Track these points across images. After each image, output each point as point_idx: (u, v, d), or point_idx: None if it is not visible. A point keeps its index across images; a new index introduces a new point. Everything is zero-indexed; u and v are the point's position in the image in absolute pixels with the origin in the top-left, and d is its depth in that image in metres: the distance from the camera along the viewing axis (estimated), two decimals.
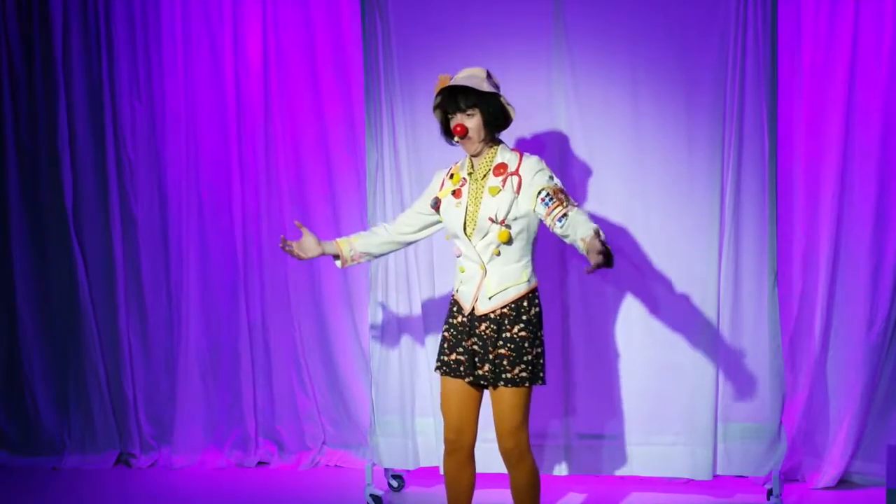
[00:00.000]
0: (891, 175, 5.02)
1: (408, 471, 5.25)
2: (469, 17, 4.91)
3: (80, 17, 5.67)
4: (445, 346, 4.05)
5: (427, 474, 5.25)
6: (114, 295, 5.75)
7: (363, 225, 5.41)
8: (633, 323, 4.92)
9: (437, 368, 4.08)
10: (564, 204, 3.86)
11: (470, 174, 4.03)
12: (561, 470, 5.00)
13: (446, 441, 4.08)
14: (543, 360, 4.01)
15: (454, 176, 4.09)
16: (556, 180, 3.96)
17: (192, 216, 5.69)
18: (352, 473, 5.50)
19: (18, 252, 5.84)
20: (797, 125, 5.08)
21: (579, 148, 4.90)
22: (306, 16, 5.54)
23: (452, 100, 3.94)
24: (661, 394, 4.90)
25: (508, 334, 3.94)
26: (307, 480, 5.46)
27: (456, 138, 3.97)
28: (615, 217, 4.90)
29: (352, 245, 4.25)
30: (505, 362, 3.93)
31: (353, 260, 4.26)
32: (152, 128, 5.70)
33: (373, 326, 5.11)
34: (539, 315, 4.00)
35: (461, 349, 4.00)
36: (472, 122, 3.94)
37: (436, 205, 4.11)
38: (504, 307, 3.95)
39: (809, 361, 5.11)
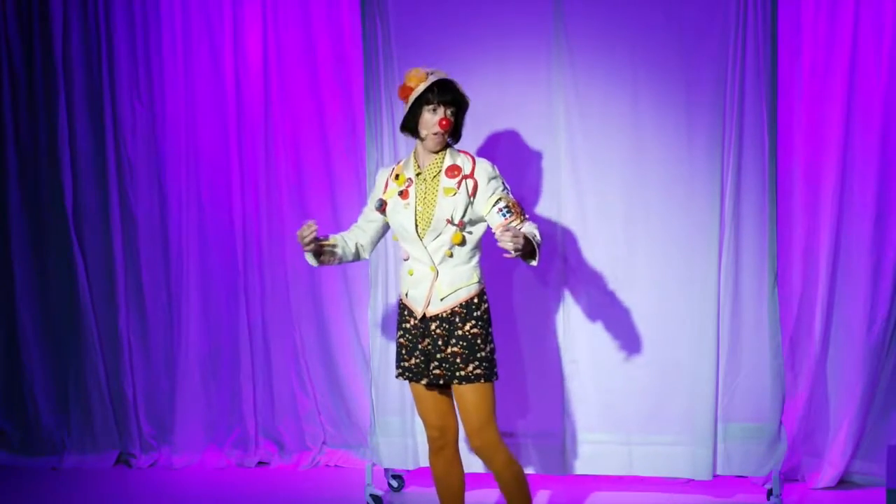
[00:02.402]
0: (891, 175, 5.02)
1: (408, 471, 5.25)
2: (469, 18, 4.91)
3: (80, 17, 5.68)
4: (403, 352, 4.07)
5: (427, 474, 5.24)
6: (114, 295, 5.75)
7: None
8: (632, 323, 4.92)
9: (399, 375, 4.10)
10: (522, 219, 3.92)
11: (418, 174, 4.04)
12: (559, 470, 5.00)
13: (431, 440, 4.12)
14: (496, 356, 4.03)
15: (399, 177, 4.08)
16: (508, 188, 4.01)
17: (192, 216, 5.69)
18: (352, 473, 5.51)
19: (18, 252, 5.84)
20: (797, 125, 5.08)
21: (579, 148, 4.90)
22: (306, 16, 5.54)
23: (442, 93, 3.94)
24: (661, 394, 4.90)
25: (460, 332, 3.96)
26: (307, 480, 5.47)
27: (428, 131, 3.95)
28: (615, 217, 4.90)
29: (333, 249, 4.10)
30: (458, 360, 3.95)
31: (325, 263, 4.11)
32: (152, 128, 5.70)
33: (373, 326, 5.11)
34: (488, 312, 4.03)
35: (417, 352, 4.03)
36: (453, 118, 3.98)
37: (381, 206, 4.10)
38: (455, 306, 3.96)
39: (809, 361, 5.11)
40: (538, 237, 3.84)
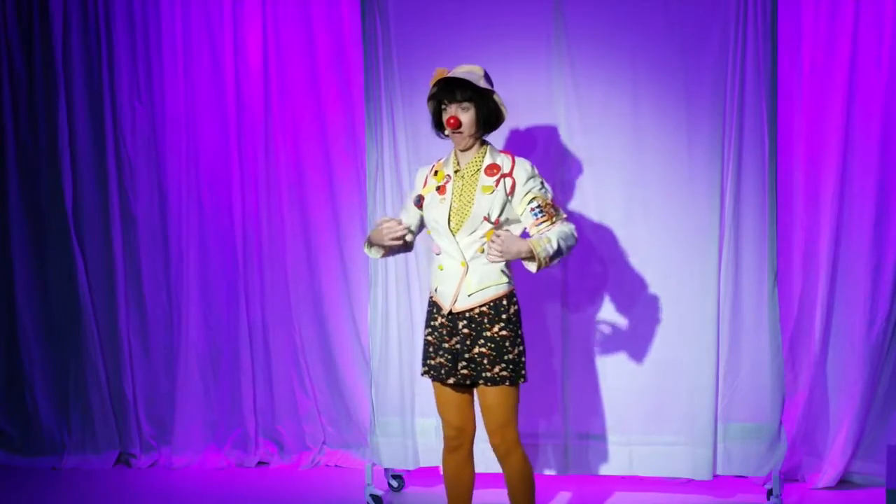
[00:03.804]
0: (891, 175, 5.02)
1: (408, 471, 5.25)
2: (469, 17, 4.91)
3: (80, 18, 5.67)
4: (430, 349, 4.07)
5: (427, 474, 5.25)
6: (114, 295, 5.75)
7: (363, 225, 5.42)
8: (633, 323, 4.92)
9: (425, 373, 4.10)
10: (553, 219, 3.93)
11: (456, 171, 4.04)
12: (560, 470, 5.01)
13: (447, 438, 4.10)
14: (525, 359, 4.02)
15: (438, 173, 4.10)
16: (548, 188, 4.01)
17: (192, 216, 5.69)
18: (352, 473, 5.51)
19: (18, 252, 5.84)
20: (797, 125, 5.08)
21: (579, 148, 4.90)
22: (306, 16, 5.54)
23: (448, 91, 3.95)
24: (661, 393, 4.91)
25: (489, 333, 3.95)
26: (307, 480, 5.47)
27: (448, 131, 3.98)
28: (615, 217, 4.90)
29: (404, 238, 4.17)
30: (485, 361, 3.95)
31: (386, 255, 4.24)
32: (152, 128, 5.69)
33: (372, 326, 5.11)
34: (518, 314, 4.02)
35: (443, 351, 4.02)
36: (465, 116, 3.95)
37: (419, 202, 4.12)
38: (483, 306, 3.96)
39: (809, 361, 5.11)
40: (553, 247, 3.83)
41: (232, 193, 5.67)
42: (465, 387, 4.06)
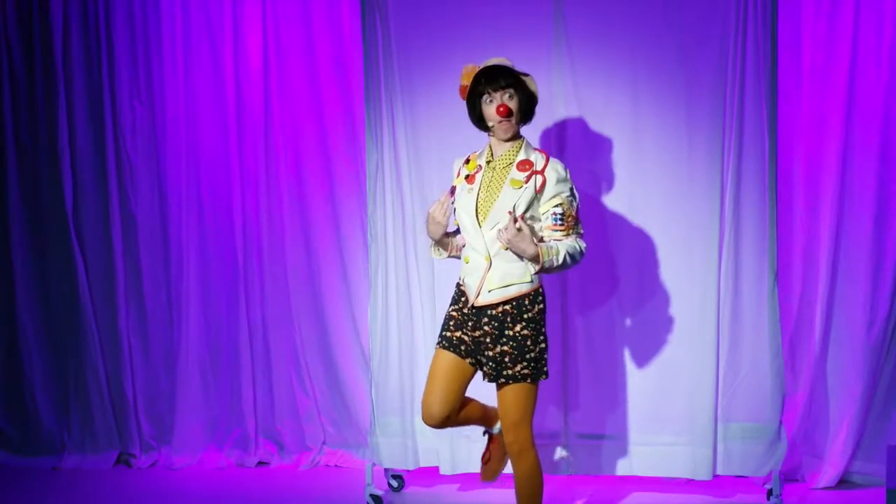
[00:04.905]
0: (891, 175, 5.02)
1: (408, 471, 5.25)
2: (469, 18, 4.91)
3: (80, 17, 5.67)
4: (451, 323, 4.08)
5: (427, 474, 5.25)
6: (114, 295, 5.75)
7: (363, 225, 5.42)
8: (632, 323, 4.92)
9: (438, 343, 4.10)
10: (569, 232, 3.96)
11: (488, 162, 4.05)
12: (561, 470, 5.01)
13: (424, 422, 4.10)
14: (547, 355, 4.03)
15: (470, 162, 4.12)
16: (576, 196, 4.04)
17: (192, 216, 5.69)
18: (352, 473, 5.50)
19: (18, 252, 5.84)
20: (797, 125, 5.08)
21: (579, 148, 4.90)
22: (306, 16, 5.54)
23: (492, 79, 3.96)
24: (661, 393, 4.91)
25: (511, 332, 3.96)
26: (307, 480, 5.47)
27: (493, 122, 3.98)
28: (615, 217, 4.90)
29: (457, 241, 4.20)
30: (507, 359, 3.96)
31: (453, 250, 4.20)
32: (152, 128, 5.69)
33: (372, 326, 5.11)
34: (542, 312, 4.02)
35: (467, 331, 4.03)
36: (512, 103, 3.98)
37: (452, 191, 4.13)
38: (506, 304, 3.96)
39: (809, 361, 5.11)
40: (559, 261, 3.91)
41: (232, 193, 5.67)
42: (470, 367, 4.06)
